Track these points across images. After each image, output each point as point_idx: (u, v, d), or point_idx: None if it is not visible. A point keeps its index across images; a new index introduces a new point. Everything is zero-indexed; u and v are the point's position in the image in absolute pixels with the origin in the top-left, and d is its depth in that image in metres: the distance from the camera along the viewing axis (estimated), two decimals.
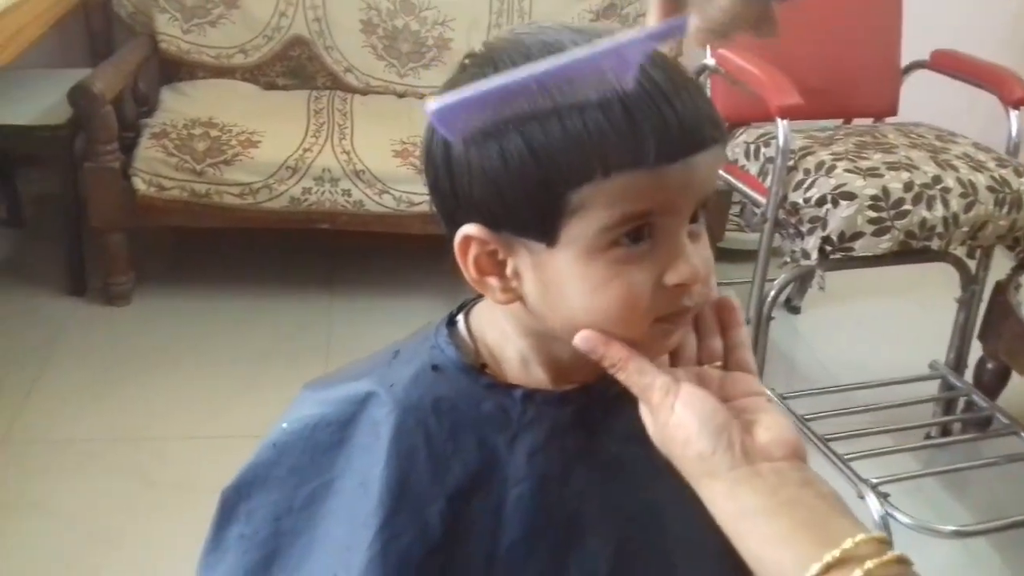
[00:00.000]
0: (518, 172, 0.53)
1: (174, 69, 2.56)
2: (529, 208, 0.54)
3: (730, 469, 0.52)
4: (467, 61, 0.58)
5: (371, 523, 0.61)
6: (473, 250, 0.58)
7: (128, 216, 2.22)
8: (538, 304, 0.58)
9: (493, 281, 0.59)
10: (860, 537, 0.48)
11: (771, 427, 0.55)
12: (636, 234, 0.54)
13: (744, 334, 0.62)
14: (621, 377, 0.56)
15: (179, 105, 2.39)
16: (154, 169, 2.17)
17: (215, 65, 2.54)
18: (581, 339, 0.57)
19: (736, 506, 0.52)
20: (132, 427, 1.93)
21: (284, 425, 0.67)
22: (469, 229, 0.57)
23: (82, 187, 2.23)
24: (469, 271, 0.59)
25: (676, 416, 0.54)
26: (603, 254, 0.54)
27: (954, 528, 1.71)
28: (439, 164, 0.57)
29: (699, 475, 0.54)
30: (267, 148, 2.21)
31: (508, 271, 0.58)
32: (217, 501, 0.69)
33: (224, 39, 2.53)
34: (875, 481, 1.69)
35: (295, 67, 2.60)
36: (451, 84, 0.57)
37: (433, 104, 0.50)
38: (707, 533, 0.64)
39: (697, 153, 0.53)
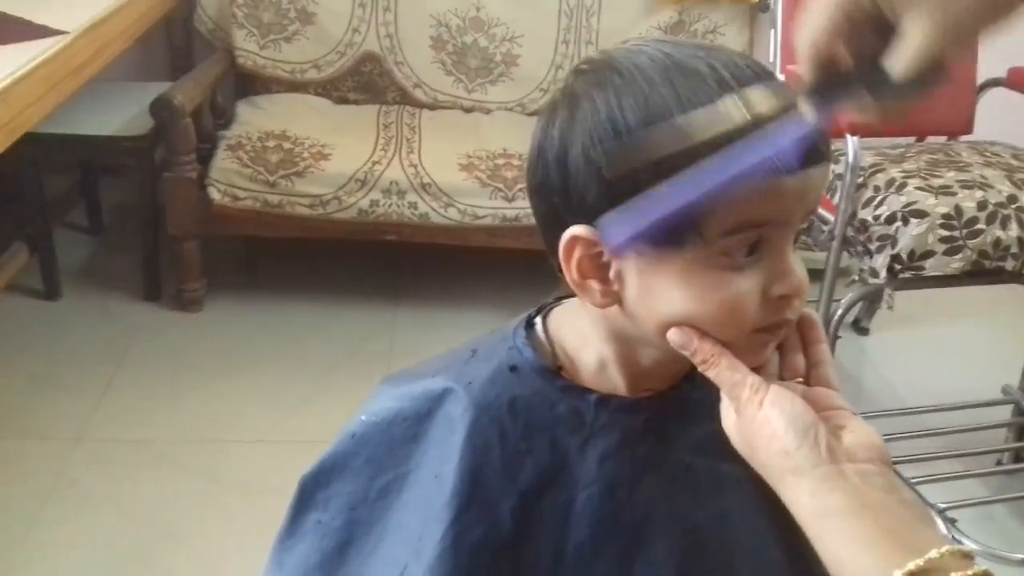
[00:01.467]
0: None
1: (250, 83, 2.63)
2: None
3: (814, 466, 0.52)
4: (585, 67, 0.58)
5: (443, 516, 0.62)
6: (578, 252, 0.57)
7: (203, 225, 2.29)
8: (636, 307, 0.58)
9: (594, 284, 0.58)
10: (946, 548, 0.48)
11: (856, 431, 0.55)
12: (752, 247, 0.55)
13: (826, 351, 0.62)
14: (711, 373, 0.57)
15: (254, 118, 2.46)
16: (229, 180, 2.24)
17: (289, 80, 2.61)
18: (676, 333, 0.56)
19: (818, 504, 0.51)
20: (201, 429, 1.98)
21: (363, 417, 0.69)
22: (578, 230, 0.56)
23: (160, 196, 2.31)
24: (571, 274, 0.58)
25: (764, 412, 0.54)
26: (715, 261, 0.55)
27: (1023, 557, 1.67)
28: (550, 162, 0.57)
29: (782, 472, 0.53)
30: (337, 161, 2.26)
31: (611, 274, 0.58)
32: (296, 487, 0.70)
33: (298, 55, 2.60)
34: (943, 506, 1.66)
35: (366, 82, 2.65)
36: (568, 91, 0.58)
37: (614, 238, 0.53)
38: (773, 546, 0.65)
39: (813, 166, 0.54)
